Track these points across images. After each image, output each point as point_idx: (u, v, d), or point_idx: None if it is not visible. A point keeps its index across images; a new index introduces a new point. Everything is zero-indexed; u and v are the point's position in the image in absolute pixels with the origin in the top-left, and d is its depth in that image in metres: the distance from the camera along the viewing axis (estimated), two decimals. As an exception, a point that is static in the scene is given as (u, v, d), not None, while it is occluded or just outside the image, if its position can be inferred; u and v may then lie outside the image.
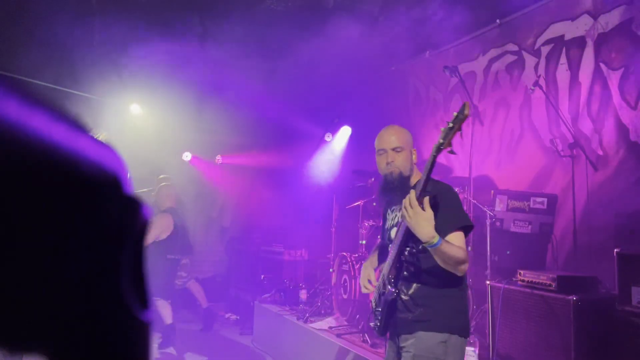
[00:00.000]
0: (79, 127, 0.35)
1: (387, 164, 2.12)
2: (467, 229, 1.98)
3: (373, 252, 2.48)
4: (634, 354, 2.70)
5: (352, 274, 4.39)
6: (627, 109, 3.84)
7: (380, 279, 2.14)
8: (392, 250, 2.03)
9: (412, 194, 1.83)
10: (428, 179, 1.84)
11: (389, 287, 2.02)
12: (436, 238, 1.80)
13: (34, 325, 0.31)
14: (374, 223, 4.86)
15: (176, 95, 6.28)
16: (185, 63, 5.88)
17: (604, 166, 3.91)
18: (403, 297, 2.01)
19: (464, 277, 2.04)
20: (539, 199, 3.75)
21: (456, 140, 1.83)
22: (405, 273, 2.03)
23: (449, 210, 1.96)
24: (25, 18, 5.12)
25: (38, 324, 0.31)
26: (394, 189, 2.12)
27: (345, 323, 4.29)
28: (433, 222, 1.81)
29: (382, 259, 2.38)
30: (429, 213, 1.82)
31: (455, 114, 1.75)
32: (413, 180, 2.14)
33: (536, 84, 3.98)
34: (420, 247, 1.93)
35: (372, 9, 5.21)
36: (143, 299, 0.37)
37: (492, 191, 3.90)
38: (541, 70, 4.61)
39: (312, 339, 4.14)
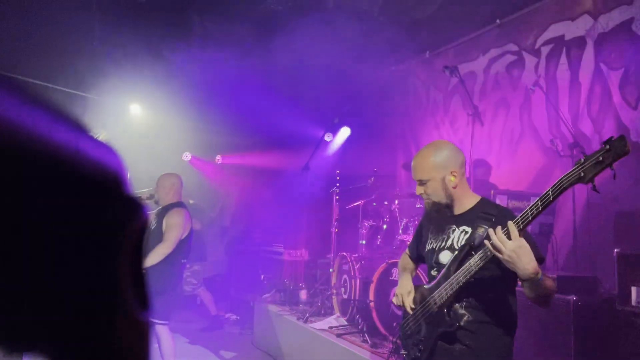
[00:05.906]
0: (79, 127, 0.35)
1: (420, 195, 1.99)
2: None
3: (403, 272, 2.26)
4: (634, 354, 2.70)
5: (352, 274, 4.38)
6: (627, 109, 3.84)
7: (424, 305, 1.95)
8: (447, 276, 1.85)
9: (512, 227, 1.59)
10: (537, 214, 1.59)
11: (447, 317, 1.85)
12: (540, 272, 1.63)
13: (34, 325, 0.31)
14: (374, 223, 4.86)
15: (176, 95, 6.28)
16: (184, 63, 5.88)
17: (604, 166, 3.90)
18: (460, 326, 1.84)
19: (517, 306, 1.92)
20: (539, 199, 3.74)
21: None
22: (466, 302, 1.85)
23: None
24: (26, 18, 5.12)
25: (38, 324, 0.31)
26: (435, 217, 2.01)
27: (345, 323, 4.28)
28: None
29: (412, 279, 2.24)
30: (530, 246, 1.61)
31: (605, 146, 1.42)
32: (460, 205, 1.97)
33: (536, 84, 3.98)
34: (489, 275, 1.80)
35: (372, 9, 5.21)
36: (142, 299, 0.37)
37: (492, 191, 3.89)
38: (541, 70, 4.61)
39: (312, 339, 4.14)
